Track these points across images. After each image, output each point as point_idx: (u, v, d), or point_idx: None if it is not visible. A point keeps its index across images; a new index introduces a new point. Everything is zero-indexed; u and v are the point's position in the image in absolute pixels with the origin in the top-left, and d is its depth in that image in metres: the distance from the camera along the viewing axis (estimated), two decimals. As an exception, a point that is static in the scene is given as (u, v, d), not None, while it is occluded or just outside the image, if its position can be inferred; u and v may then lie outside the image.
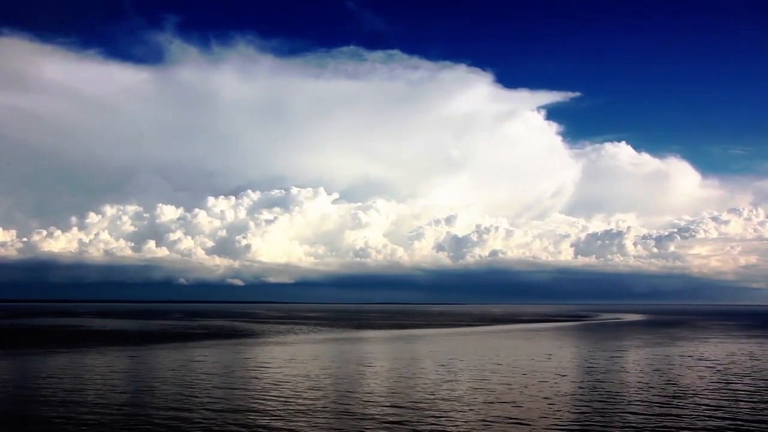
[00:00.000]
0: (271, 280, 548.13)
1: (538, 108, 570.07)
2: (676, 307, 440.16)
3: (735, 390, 32.58)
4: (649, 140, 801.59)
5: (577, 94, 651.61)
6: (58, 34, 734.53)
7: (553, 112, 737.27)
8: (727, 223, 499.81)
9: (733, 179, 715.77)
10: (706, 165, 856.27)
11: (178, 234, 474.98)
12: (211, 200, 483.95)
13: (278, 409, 26.81)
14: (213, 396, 30.12)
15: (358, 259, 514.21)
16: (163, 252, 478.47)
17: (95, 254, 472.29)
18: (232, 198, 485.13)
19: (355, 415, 25.78)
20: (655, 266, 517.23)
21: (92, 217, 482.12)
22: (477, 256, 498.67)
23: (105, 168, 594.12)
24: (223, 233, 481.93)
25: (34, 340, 70.08)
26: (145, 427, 23.42)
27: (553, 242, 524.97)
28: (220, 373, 39.01)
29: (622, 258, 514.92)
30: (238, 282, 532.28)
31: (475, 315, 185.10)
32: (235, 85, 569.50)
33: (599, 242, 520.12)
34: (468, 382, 35.22)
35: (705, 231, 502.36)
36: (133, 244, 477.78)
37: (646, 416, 25.58)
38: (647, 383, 34.95)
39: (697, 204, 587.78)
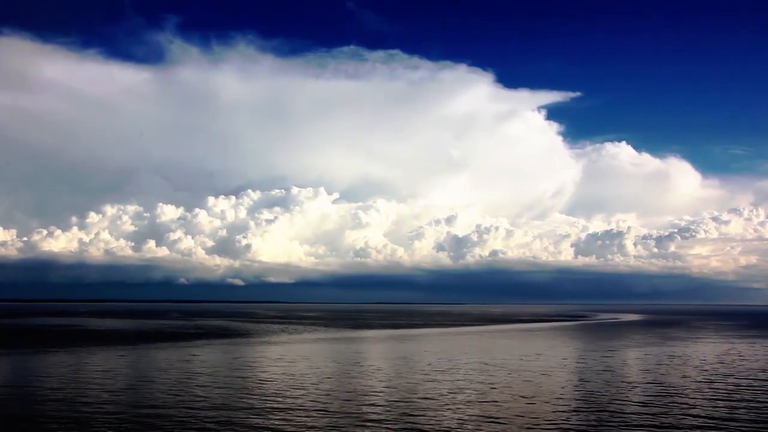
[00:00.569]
0: (272, 280, 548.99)
1: (539, 108, 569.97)
2: (675, 307, 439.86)
3: (716, 389, 32.70)
4: (649, 140, 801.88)
5: (578, 94, 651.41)
6: (58, 34, 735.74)
7: (553, 112, 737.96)
8: (727, 223, 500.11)
9: (734, 179, 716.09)
10: (706, 165, 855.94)
11: (179, 234, 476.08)
12: (211, 200, 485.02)
13: (256, 407, 26.96)
14: (195, 394, 30.27)
15: (359, 259, 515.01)
16: (163, 252, 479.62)
17: (95, 254, 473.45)
18: (233, 198, 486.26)
19: (330, 413, 25.91)
20: (656, 266, 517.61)
21: (92, 217, 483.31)
22: (477, 256, 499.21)
23: (105, 168, 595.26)
24: (224, 233, 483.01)
25: (27, 339, 70.26)
26: (124, 426, 23.58)
27: (553, 242, 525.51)
28: (205, 372, 39.16)
29: (622, 258, 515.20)
30: (239, 282, 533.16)
31: (473, 315, 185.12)
32: (236, 85, 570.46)
33: (599, 242, 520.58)
34: (452, 381, 35.34)
35: (705, 231, 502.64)
36: (133, 244, 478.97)
37: (622, 415, 25.71)
38: (630, 383, 35.08)
39: (698, 204, 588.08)
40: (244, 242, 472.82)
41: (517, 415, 25.59)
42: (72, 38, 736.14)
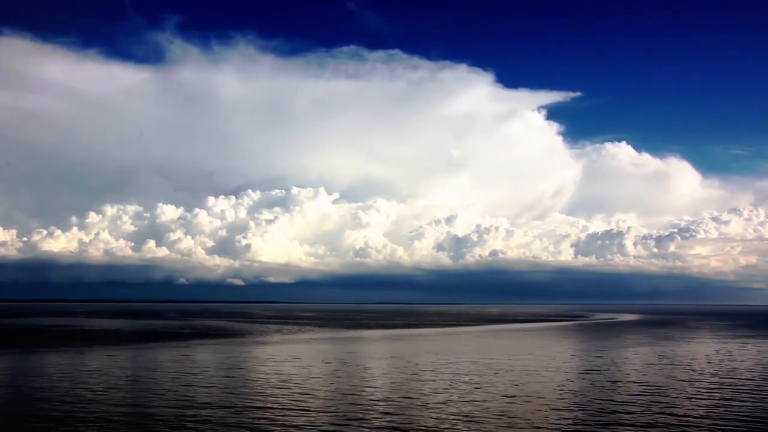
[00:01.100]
0: (272, 279, 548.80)
1: (539, 108, 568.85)
2: (675, 307, 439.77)
3: (698, 389, 32.82)
4: (649, 140, 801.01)
5: (578, 94, 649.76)
6: (58, 34, 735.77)
7: (553, 112, 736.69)
8: (727, 223, 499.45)
9: (734, 179, 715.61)
10: (706, 165, 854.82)
11: (178, 234, 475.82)
12: (211, 200, 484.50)
13: (238, 406, 27.11)
14: (179, 393, 30.40)
15: (358, 258, 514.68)
16: (163, 252, 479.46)
17: (95, 254, 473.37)
18: (233, 198, 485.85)
19: (310, 411, 26.05)
20: (656, 266, 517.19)
21: (92, 217, 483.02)
22: (477, 256, 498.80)
23: (105, 168, 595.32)
24: (224, 233, 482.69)
25: (19, 339, 70.43)
26: (104, 424, 23.72)
27: (553, 242, 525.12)
28: (192, 372, 39.29)
29: (622, 258, 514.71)
30: (239, 282, 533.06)
31: (471, 315, 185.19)
32: (236, 85, 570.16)
33: (599, 242, 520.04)
34: (437, 380, 35.48)
35: (705, 231, 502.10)
36: (133, 244, 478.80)
37: (600, 413, 25.84)
38: (614, 382, 35.21)
39: (698, 204, 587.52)
40: (244, 242, 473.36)
41: (495, 415, 25.71)
42: (72, 38, 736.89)
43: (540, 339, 75.92)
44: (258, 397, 29.50)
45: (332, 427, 23.35)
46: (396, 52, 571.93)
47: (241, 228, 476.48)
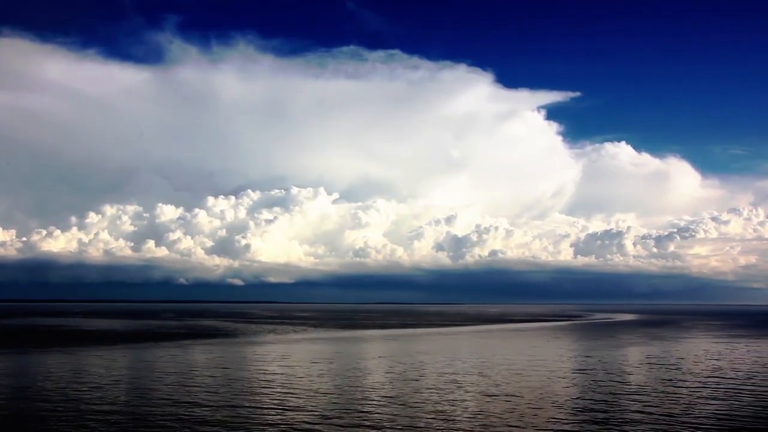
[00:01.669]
0: (271, 279, 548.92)
1: (538, 108, 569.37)
2: (674, 307, 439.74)
3: (678, 387, 32.96)
4: (649, 140, 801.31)
5: (577, 94, 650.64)
6: (58, 34, 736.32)
7: (553, 112, 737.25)
8: (727, 223, 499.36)
9: (733, 179, 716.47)
10: (706, 165, 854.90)
11: (178, 234, 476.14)
12: (210, 200, 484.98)
13: (214, 404, 27.25)
14: (162, 392, 30.57)
15: (358, 259, 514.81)
16: (162, 252, 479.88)
17: (95, 254, 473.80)
18: (232, 198, 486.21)
19: (288, 408, 26.18)
20: (655, 266, 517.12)
21: (92, 217, 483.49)
22: (477, 256, 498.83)
23: (105, 168, 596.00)
24: (223, 233, 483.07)
25: (10, 340, 70.60)
26: (81, 423, 23.88)
27: (552, 242, 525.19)
28: (177, 371, 39.45)
29: (621, 258, 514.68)
30: (238, 282, 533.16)
31: (468, 315, 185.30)
32: (235, 85, 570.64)
33: (599, 242, 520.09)
34: (419, 380, 35.62)
35: (705, 231, 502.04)
36: (132, 244, 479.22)
37: (577, 411, 26.00)
38: (596, 381, 35.37)
39: (697, 204, 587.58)
40: (243, 242, 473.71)
41: (471, 414, 25.85)
42: (72, 38, 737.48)
43: (533, 339, 76.04)
44: (237, 396, 29.65)
45: (306, 425, 23.48)
46: (396, 52, 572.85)
47: (240, 228, 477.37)
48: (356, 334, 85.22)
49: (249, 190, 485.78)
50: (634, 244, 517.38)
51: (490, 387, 32.94)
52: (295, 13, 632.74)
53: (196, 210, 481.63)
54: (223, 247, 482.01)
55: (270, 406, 27.21)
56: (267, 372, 39.00)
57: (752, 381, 35.96)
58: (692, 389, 32.47)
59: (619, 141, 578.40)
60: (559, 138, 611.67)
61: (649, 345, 63.90)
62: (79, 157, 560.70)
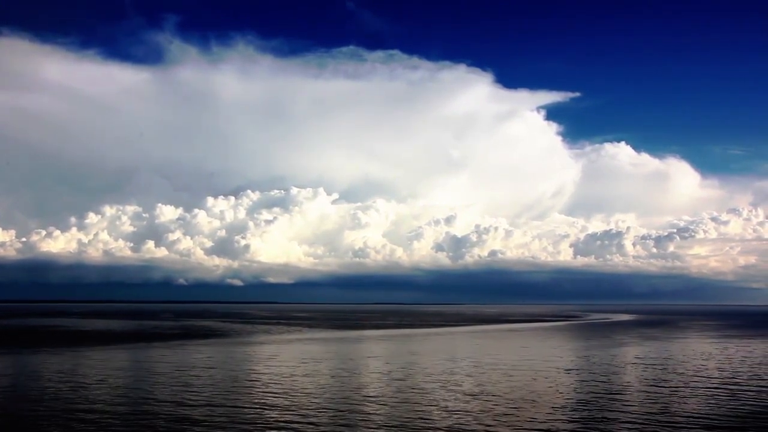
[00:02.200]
0: (271, 280, 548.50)
1: (538, 108, 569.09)
2: (673, 307, 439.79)
3: (661, 387, 33.10)
4: (648, 140, 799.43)
5: (577, 94, 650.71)
6: (57, 34, 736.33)
7: (552, 113, 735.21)
8: (726, 223, 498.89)
9: (733, 179, 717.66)
10: (705, 165, 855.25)
11: (177, 234, 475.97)
12: (210, 200, 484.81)
13: (198, 404, 27.41)
14: (143, 392, 30.73)
15: (358, 259, 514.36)
16: (162, 252, 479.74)
17: (94, 254, 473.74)
18: (232, 198, 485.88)
19: (267, 407, 26.33)
20: (655, 266, 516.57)
21: (91, 218, 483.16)
22: (476, 256, 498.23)
23: (105, 168, 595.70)
24: (223, 233, 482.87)
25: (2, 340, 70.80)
26: (61, 423, 24.05)
27: (552, 242, 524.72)
28: (162, 372, 39.62)
29: (621, 258, 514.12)
30: (238, 282, 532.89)
31: (466, 315, 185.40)
32: (235, 85, 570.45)
33: (598, 242, 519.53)
34: (404, 380, 35.78)
35: (704, 231, 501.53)
36: (132, 245, 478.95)
37: (553, 411, 26.12)
38: (580, 381, 35.54)
39: (697, 204, 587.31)
40: (243, 243, 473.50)
41: (448, 413, 25.98)
42: (71, 38, 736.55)
43: (526, 339, 76.18)
44: (217, 396, 29.79)
45: (282, 424, 23.63)
46: (395, 52, 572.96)
47: (240, 228, 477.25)
48: (350, 334, 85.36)
49: (248, 191, 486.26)
50: (634, 245, 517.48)
51: (474, 387, 33.07)
52: (295, 13, 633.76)
53: (196, 210, 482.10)
54: (222, 247, 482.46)
55: (249, 405, 27.34)
56: (253, 372, 39.17)
57: (735, 381, 36.08)
58: (673, 389, 32.60)
59: (618, 141, 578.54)
60: (559, 138, 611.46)
61: (640, 345, 64.02)
62: (78, 157, 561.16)
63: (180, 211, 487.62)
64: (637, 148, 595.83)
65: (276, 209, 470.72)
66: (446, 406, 27.48)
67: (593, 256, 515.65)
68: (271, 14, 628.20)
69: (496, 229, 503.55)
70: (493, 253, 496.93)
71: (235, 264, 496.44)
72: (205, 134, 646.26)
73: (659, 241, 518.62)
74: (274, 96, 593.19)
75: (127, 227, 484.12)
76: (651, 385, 33.88)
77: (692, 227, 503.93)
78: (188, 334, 78.23)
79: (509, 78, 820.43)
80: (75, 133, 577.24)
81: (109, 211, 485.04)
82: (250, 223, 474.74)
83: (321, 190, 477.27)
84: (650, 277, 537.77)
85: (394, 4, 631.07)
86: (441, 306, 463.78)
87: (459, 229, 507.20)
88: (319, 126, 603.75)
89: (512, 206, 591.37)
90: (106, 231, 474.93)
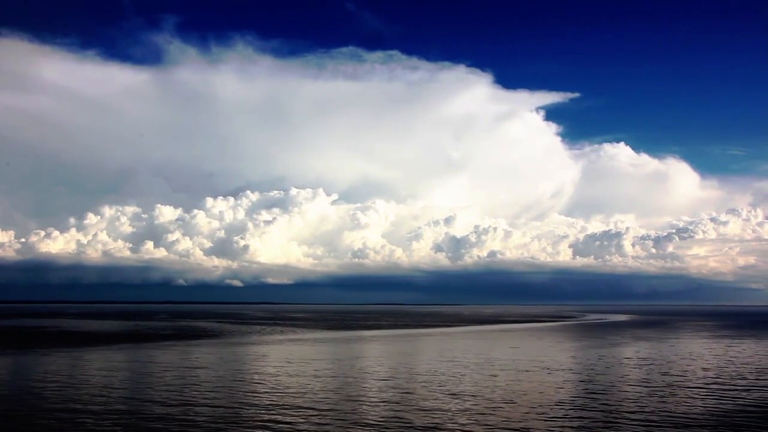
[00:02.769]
0: (270, 280, 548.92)
1: (538, 109, 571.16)
2: (672, 308, 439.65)
3: (645, 388, 33.17)
4: (648, 141, 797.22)
5: (577, 94, 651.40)
6: (57, 34, 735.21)
7: (552, 113, 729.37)
8: (725, 223, 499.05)
9: (732, 180, 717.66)
10: (705, 166, 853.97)
11: (177, 235, 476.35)
12: (209, 201, 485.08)
13: (175, 403, 27.51)
14: (124, 392, 30.82)
15: (357, 259, 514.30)
16: (161, 253, 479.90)
17: (93, 255, 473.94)
18: (231, 199, 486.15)
19: (248, 406, 26.41)
20: (654, 267, 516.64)
21: (90, 218, 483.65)
22: (475, 256, 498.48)
23: (104, 168, 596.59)
24: (222, 234, 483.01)
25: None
26: (33, 422, 24.14)
27: (551, 243, 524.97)
28: (148, 372, 39.72)
29: (620, 259, 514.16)
30: (237, 283, 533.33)
31: (463, 316, 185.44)
32: (235, 85, 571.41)
33: (598, 243, 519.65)
34: (388, 380, 35.86)
35: (704, 232, 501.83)
36: (131, 245, 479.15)
37: (527, 410, 26.20)
38: (563, 381, 35.60)
39: (696, 205, 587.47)
40: (242, 243, 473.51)
41: (425, 412, 26.05)
42: (71, 39, 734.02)
43: (518, 340, 76.22)
44: (198, 396, 29.87)
45: (258, 422, 23.72)
46: (395, 52, 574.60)
47: (239, 229, 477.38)
48: (344, 335, 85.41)
49: (248, 191, 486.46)
50: (633, 245, 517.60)
51: (455, 387, 33.14)
52: (294, 14, 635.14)
53: (195, 211, 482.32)
54: (222, 248, 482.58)
55: (230, 405, 27.42)
56: (239, 372, 39.25)
57: (717, 380, 36.14)
58: (654, 389, 32.66)
59: (617, 142, 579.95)
60: (558, 139, 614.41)
61: (631, 346, 64.08)
62: (77, 157, 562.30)
63: (179, 211, 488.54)
64: (636, 148, 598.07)
65: (275, 210, 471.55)
66: (424, 406, 27.55)
67: (592, 257, 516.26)
68: (271, 15, 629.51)
69: (495, 229, 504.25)
70: (492, 253, 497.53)
71: (235, 265, 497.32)
72: (204, 135, 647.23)
73: (658, 241, 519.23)
74: (273, 96, 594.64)
75: (127, 228, 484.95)
76: (631, 385, 33.97)
77: (691, 228, 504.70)
78: (180, 335, 78.27)
79: (509, 78, 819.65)
80: (74, 133, 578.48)
81: (108, 211, 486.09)
82: (250, 224, 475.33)
83: (320, 190, 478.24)
84: (649, 277, 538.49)
85: (393, 5, 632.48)
86: (440, 307, 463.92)
87: (458, 230, 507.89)
88: (318, 127, 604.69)
89: (511, 207, 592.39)
90: (105, 231, 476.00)
